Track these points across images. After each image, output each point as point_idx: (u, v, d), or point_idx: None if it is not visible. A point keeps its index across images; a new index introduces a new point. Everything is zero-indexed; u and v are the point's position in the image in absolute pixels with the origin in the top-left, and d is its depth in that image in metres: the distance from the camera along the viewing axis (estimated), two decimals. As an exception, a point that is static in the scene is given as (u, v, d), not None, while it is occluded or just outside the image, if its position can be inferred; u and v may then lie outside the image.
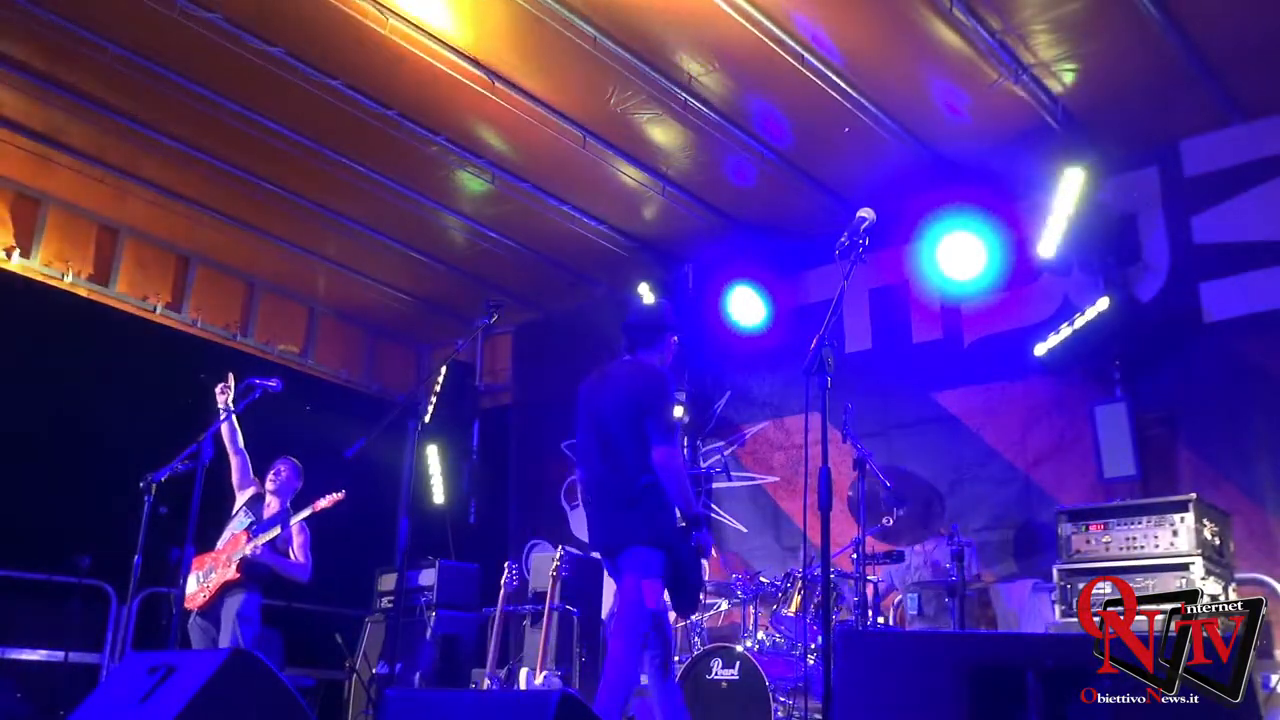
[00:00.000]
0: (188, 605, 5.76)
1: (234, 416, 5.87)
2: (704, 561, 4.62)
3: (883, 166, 6.85)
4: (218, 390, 5.83)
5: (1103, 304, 6.28)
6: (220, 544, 5.88)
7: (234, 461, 6.02)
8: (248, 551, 5.68)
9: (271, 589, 5.99)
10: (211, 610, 5.71)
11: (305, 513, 5.83)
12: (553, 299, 9.27)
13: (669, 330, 4.56)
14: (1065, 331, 6.42)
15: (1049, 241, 6.35)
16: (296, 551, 5.91)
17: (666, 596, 4.28)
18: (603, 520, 4.35)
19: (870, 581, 5.68)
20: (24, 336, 7.43)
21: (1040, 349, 6.52)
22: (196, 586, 5.79)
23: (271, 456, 6.16)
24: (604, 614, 7.61)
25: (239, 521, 5.91)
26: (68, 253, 7.90)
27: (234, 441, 6.00)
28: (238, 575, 5.67)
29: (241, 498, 6.03)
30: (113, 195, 7.75)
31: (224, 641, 5.59)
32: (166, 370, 5.99)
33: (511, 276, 8.84)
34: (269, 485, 5.97)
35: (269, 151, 7.02)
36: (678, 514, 4.21)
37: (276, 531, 5.78)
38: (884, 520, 5.81)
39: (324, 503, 5.85)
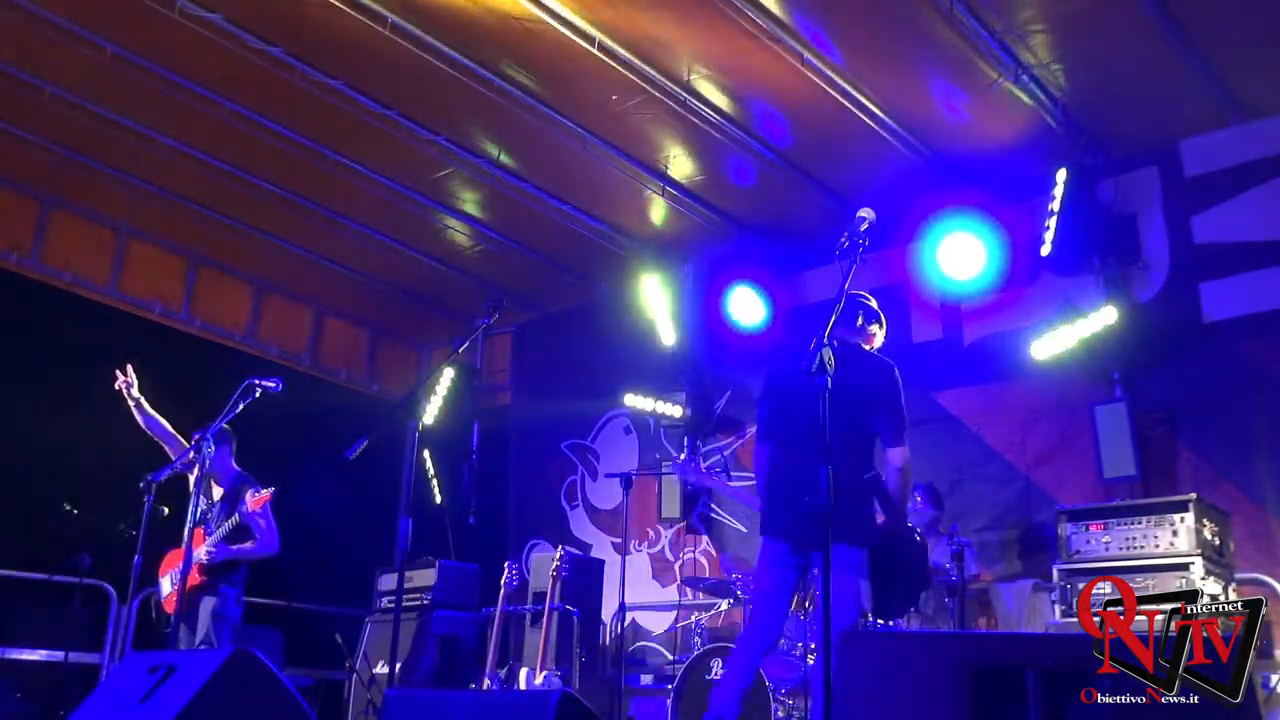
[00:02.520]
0: (165, 607, 5.72)
1: (143, 402, 5.78)
2: None
3: (882, 166, 6.84)
4: (118, 384, 5.74)
5: (1109, 315, 6.27)
6: (185, 536, 5.60)
7: (165, 447, 5.86)
8: (203, 557, 5.52)
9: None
10: (189, 612, 5.54)
11: (247, 505, 5.61)
12: (553, 299, 9.28)
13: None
14: (1065, 333, 6.43)
15: (1048, 241, 6.35)
16: (261, 523, 5.69)
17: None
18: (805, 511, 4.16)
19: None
20: (25, 336, 7.44)
21: (1038, 351, 6.52)
22: (171, 588, 5.72)
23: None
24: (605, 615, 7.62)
25: (193, 510, 5.55)
26: (70, 253, 7.91)
27: (151, 426, 5.83)
28: (202, 579, 5.54)
29: (192, 476, 5.74)
30: (114, 196, 7.76)
31: (198, 640, 5.50)
32: (168, 371, 5.99)
33: (511, 276, 8.84)
34: (205, 465, 5.54)
35: (269, 151, 7.03)
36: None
37: (233, 521, 5.62)
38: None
39: (250, 504, 5.63)
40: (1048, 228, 6.34)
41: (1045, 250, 6.36)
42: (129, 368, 5.81)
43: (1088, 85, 6.07)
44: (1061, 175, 6.31)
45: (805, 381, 3.75)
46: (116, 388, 5.78)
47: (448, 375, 9.10)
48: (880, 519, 4.22)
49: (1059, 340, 6.46)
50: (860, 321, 4.40)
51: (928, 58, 5.89)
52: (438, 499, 9.18)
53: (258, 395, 5.27)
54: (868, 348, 4.41)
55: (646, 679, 7.79)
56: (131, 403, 5.78)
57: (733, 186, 7.40)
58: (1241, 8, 5.45)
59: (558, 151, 6.93)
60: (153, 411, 5.86)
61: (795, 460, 4.14)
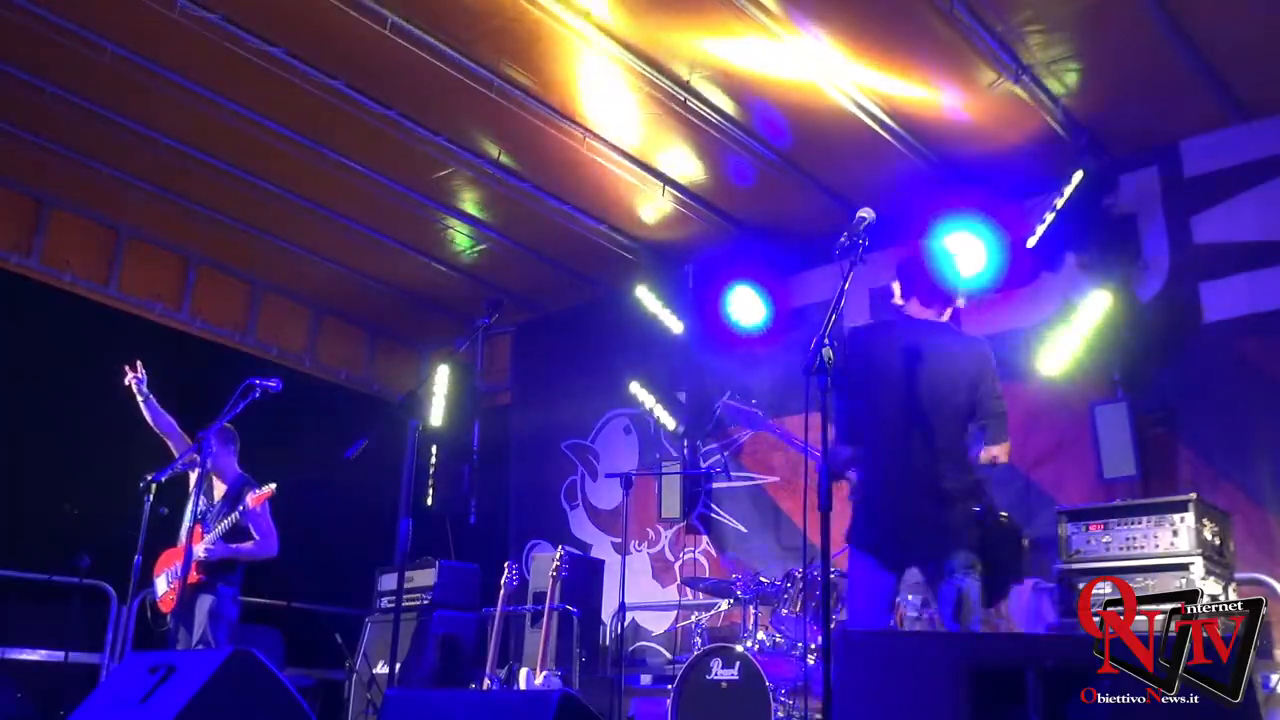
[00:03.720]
0: (161, 607, 5.70)
1: (152, 397, 5.79)
2: None
3: (883, 166, 6.84)
4: (127, 380, 5.74)
5: (1105, 303, 6.27)
6: (182, 535, 5.64)
7: (169, 443, 5.86)
8: (201, 554, 5.49)
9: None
10: (186, 611, 5.53)
11: (248, 502, 5.62)
12: (553, 299, 9.28)
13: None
14: (1066, 338, 6.44)
15: (1037, 233, 6.40)
16: (261, 523, 5.70)
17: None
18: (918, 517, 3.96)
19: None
20: (24, 336, 7.43)
21: (1043, 365, 6.54)
22: (167, 587, 5.70)
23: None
24: (605, 615, 7.62)
25: (193, 509, 5.66)
26: (69, 253, 7.91)
27: (159, 422, 5.83)
28: (199, 577, 5.51)
29: (193, 476, 5.78)
30: (113, 196, 7.76)
31: (195, 640, 5.49)
32: (167, 371, 6.00)
33: (511, 276, 8.84)
34: (207, 465, 5.55)
35: (269, 151, 7.02)
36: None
37: (233, 519, 5.61)
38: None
39: (252, 501, 5.63)
40: (1042, 220, 6.36)
41: (1031, 242, 6.39)
42: (139, 364, 5.81)
43: (1088, 85, 6.06)
44: (1077, 176, 6.32)
45: (892, 372, 3.70)
46: (126, 383, 5.77)
47: (448, 375, 9.10)
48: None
49: (1061, 345, 6.48)
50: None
51: (927, 58, 5.89)
52: (429, 501, 9.20)
53: (258, 395, 5.27)
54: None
55: (646, 679, 7.80)
56: (141, 398, 5.77)
57: (733, 187, 7.39)
58: (1241, 8, 5.45)
59: (558, 151, 6.93)
60: (160, 408, 5.87)
61: (890, 467, 3.99)
